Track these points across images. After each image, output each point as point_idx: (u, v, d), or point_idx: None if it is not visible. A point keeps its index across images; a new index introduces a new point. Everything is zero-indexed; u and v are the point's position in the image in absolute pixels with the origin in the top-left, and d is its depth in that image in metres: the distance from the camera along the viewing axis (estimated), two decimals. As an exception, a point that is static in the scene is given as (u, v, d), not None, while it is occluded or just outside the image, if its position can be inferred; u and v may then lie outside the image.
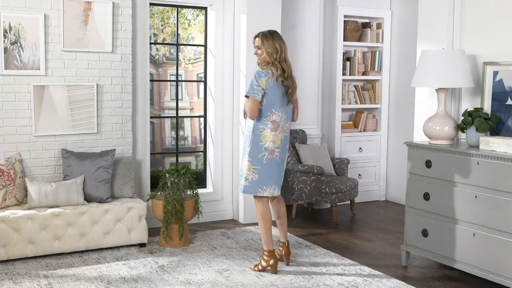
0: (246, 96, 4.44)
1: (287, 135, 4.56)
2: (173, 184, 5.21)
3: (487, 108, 4.66)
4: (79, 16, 5.30)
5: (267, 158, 4.46)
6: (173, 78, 6.53)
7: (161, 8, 6.32)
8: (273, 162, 4.47)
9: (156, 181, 5.77)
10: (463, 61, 4.56)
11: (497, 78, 4.60)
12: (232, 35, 6.21)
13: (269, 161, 4.46)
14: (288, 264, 4.74)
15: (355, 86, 7.17)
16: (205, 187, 6.39)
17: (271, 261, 4.54)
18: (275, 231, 5.72)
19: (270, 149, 4.45)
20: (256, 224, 5.93)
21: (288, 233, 5.64)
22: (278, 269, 4.63)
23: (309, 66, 7.03)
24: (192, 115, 6.74)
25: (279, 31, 6.05)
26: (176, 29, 6.21)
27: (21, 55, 5.12)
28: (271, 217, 4.61)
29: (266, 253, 4.57)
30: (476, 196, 4.23)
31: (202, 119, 6.46)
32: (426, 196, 4.61)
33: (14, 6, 5.07)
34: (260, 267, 4.60)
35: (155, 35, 6.47)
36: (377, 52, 7.19)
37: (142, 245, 5.23)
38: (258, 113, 4.43)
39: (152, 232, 5.59)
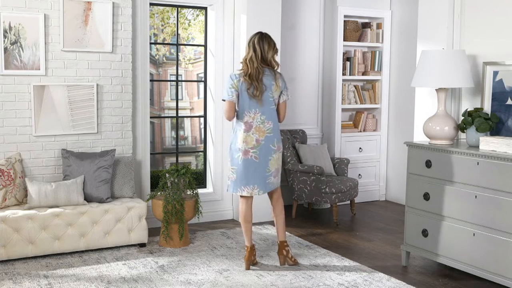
0: (223, 100, 4.55)
1: (268, 135, 4.54)
2: (173, 184, 5.21)
3: (487, 108, 4.66)
4: (79, 16, 5.30)
5: (241, 159, 4.53)
6: (173, 78, 6.54)
7: (161, 8, 6.32)
8: (249, 163, 4.52)
9: (156, 181, 5.77)
10: (463, 61, 4.56)
11: (497, 78, 4.59)
12: (232, 35, 6.21)
13: (244, 161, 4.53)
14: (282, 264, 4.72)
15: (355, 86, 7.17)
16: (205, 187, 6.39)
17: (246, 255, 4.68)
18: (271, 231, 5.74)
19: (243, 150, 4.52)
20: (256, 224, 5.94)
21: (288, 233, 5.65)
22: (277, 269, 4.65)
23: (309, 66, 7.03)
24: (192, 115, 6.74)
25: (279, 31, 6.06)
26: (176, 29, 6.21)
27: (21, 55, 5.12)
28: (248, 218, 4.68)
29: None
30: (476, 196, 4.23)
31: (202, 119, 6.47)
32: (426, 196, 4.61)
33: (14, 6, 5.07)
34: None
35: (155, 35, 6.47)
36: (377, 52, 7.19)
37: (142, 245, 5.23)
38: (234, 115, 4.54)
39: (152, 232, 5.59)
